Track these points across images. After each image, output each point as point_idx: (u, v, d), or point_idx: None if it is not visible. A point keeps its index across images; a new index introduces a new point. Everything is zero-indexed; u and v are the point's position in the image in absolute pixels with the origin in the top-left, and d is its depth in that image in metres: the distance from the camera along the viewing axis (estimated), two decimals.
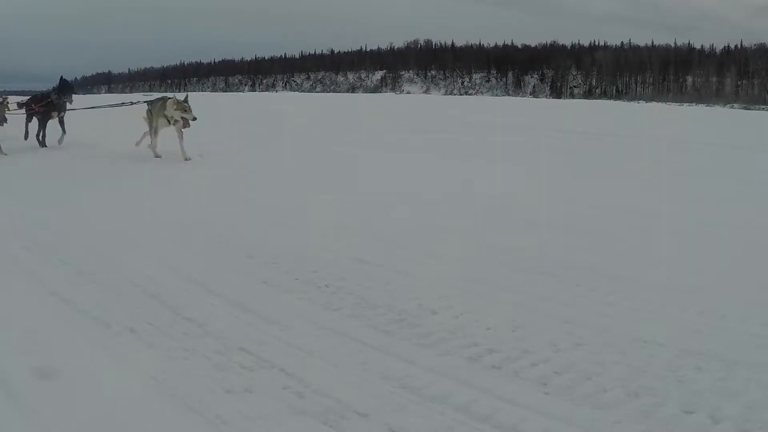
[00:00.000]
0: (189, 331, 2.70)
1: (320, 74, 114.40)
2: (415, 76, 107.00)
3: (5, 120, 8.47)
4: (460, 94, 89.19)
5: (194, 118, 7.72)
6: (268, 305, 3.00)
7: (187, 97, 8.08)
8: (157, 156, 8.10)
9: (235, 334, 2.66)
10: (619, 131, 13.81)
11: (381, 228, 4.40)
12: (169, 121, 7.93)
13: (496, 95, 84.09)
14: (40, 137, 9.39)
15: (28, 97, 9.85)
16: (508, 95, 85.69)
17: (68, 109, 9.46)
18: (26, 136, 9.50)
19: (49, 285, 3.26)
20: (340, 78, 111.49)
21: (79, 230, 4.41)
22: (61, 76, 9.54)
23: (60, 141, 9.31)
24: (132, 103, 9.41)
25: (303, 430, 1.99)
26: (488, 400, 2.14)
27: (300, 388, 2.22)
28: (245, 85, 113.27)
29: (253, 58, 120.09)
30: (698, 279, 3.38)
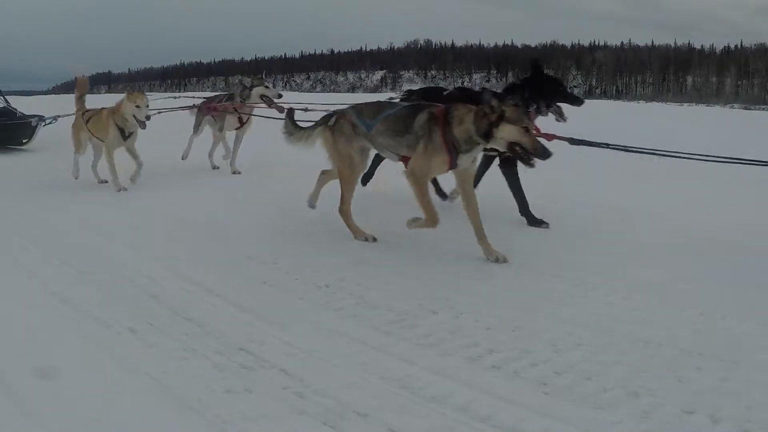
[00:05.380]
0: (189, 331, 2.70)
1: (320, 74, 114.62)
2: (415, 76, 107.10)
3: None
4: None
5: None
6: (268, 305, 3.00)
7: None
8: None
9: (235, 334, 2.66)
10: (619, 131, 13.79)
11: (382, 227, 4.39)
12: None
13: None
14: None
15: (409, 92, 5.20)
16: None
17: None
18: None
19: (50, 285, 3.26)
20: (340, 78, 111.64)
21: None
22: (535, 60, 4.67)
23: (540, 223, 4.44)
24: None
25: (303, 430, 1.99)
26: (488, 400, 2.14)
27: (300, 388, 2.22)
28: None
29: (253, 58, 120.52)
30: (698, 279, 3.38)
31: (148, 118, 5.81)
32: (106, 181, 6.07)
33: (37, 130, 8.83)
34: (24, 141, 9.08)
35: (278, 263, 3.62)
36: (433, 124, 3.65)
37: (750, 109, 40.82)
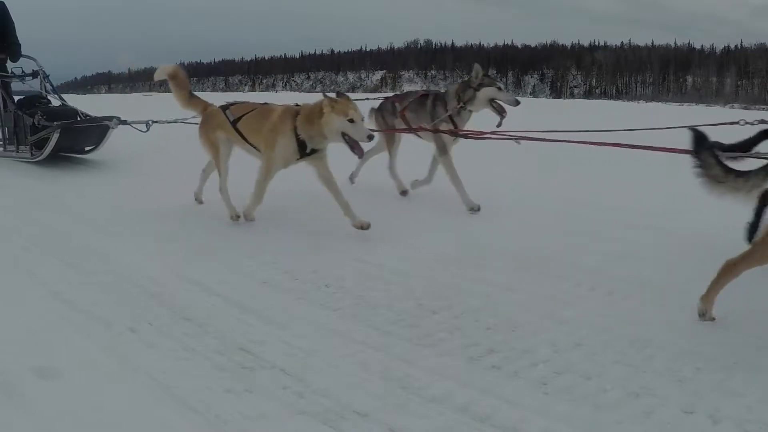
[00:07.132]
0: (189, 331, 2.70)
1: (320, 74, 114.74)
2: (415, 76, 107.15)
3: None
4: None
5: None
6: (268, 305, 3.00)
7: None
8: None
9: (235, 334, 2.66)
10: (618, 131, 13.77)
11: (382, 227, 4.39)
12: None
13: None
14: None
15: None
16: None
17: None
18: None
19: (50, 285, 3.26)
20: (340, 78, 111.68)
21: None
22: None
23: None
24: None
25: (303, 430, 1.99)
26: (488, 400, 2.14)
27: (300, 388, 2.22)
28: (245, 85, 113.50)
29: (253, 58, 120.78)
30: (698, 279, 3.37)
31: (370, 138, 3.85)
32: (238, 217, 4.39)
33: (107, 136, 6.72)
34: (87, 149, 6.99)
35: (278, 263, 3.62)
36: None
37: (750, 109, 40.82)
